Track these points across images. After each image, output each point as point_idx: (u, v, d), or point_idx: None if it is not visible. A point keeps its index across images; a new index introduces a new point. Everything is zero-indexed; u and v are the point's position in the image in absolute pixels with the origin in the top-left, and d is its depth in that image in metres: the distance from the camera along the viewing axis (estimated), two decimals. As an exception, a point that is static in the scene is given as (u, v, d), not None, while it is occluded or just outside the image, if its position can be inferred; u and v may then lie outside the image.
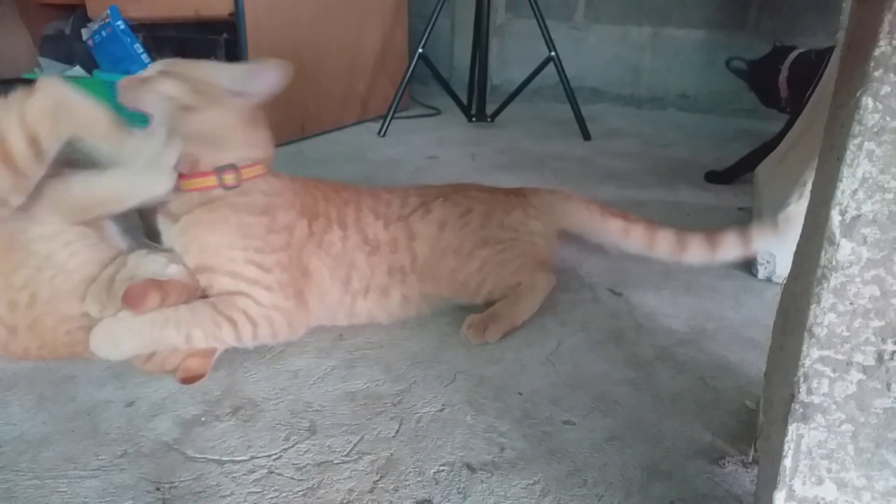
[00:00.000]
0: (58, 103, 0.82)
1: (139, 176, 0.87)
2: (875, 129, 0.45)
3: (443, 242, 1.03)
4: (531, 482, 0.71)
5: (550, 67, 2.34)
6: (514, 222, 1.08)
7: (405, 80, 2.38)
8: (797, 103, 1.64)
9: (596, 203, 1.16)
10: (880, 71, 0.44)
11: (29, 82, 2.48)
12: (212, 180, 0.89)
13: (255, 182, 0.93)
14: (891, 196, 0.46)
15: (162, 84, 0.88)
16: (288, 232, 0.94)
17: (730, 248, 1.08)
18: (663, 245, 1.10)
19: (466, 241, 1.04)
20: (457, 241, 1.04)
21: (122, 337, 0.83)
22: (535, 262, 1.08)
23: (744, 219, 1.53)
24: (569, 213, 1.15)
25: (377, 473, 0.72)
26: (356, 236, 1.00)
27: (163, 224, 0.92)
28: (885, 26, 0.44)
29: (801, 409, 0.51)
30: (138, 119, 0.88)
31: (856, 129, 0.46)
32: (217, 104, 0.89)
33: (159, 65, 0.91)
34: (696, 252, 1.09)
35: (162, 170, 0.86)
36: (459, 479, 0.72)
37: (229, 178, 0.90)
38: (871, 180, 0.46)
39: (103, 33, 2.11)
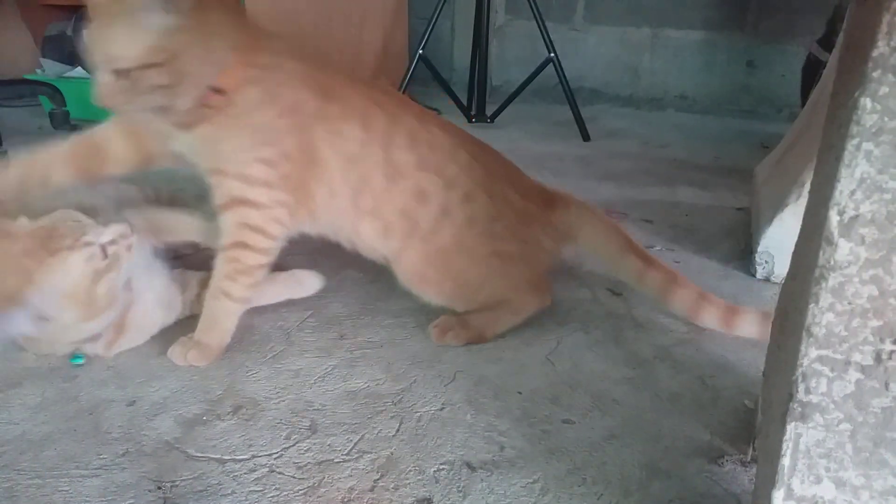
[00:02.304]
0: None
1: None
2: (873, 130, 0.46)
3: (464, 239, 0.98)
4: (531, 481, 0.72)
5: (550, 68, 2.34)
6: (531, 235, 1.03)
7: (405, 81, 2.38)
8: None
9: (621, 235, 1.05)
10: (878, 72, 0.45)
11: (30, 83, 2.47)
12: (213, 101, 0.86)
13: (246, 77, 0.87)
14: (889, 196, 0.46)
15: (143, 80, 0.80)
16: (293, 113, 0.90)
17: (747, 327, 0.97)
18: (678, 303, 1.00)
19: (484, 246, 0.99)
20: (473, 242, 0.99)
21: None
22: (535, 279, 1.04)
23: (742, 219, 1.53)
24: (587, 240, 1.06)
25: (377, 472, 0.73)
26: (379, 151, 0.94)
27: (168, 133, 0.90)
28: (884, 27, 0.44)
29: (800, 409, 0.51)
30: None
31: (854, 129, 0.46)
32: (177, 53, 0.80)
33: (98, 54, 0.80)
34: (709, 321, 1.00)
35: None
36: (459, 478, 0.72)
37: (214, 99, 0.86)
38: (869, 181, 0.46)
39: (104, 34, 2.11)
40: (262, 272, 0.94)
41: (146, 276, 0.94)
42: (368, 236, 0.99)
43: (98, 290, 0.84)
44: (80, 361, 0.91)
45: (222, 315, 0.93)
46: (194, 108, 0.85)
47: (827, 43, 1.88)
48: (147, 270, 0.94)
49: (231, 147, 0.89)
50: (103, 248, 0.84)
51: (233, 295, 0.92)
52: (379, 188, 0.95)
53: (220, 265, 0.92)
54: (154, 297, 0.95)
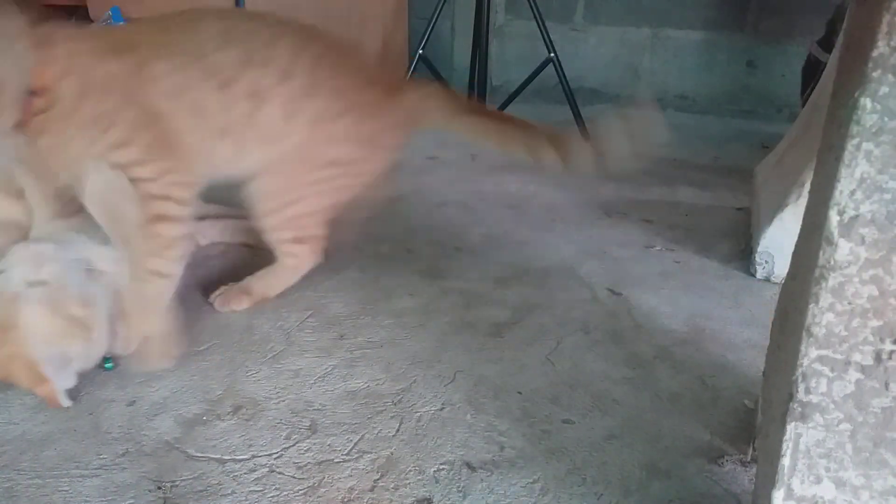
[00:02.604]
0: None
1: None
2: (873, 130, 0.46)
3: (308, 143, 0.97)
4: (531, 481, 0.72)
5: (550, 68, 2.34)
6: (373, 133, 1.01)
7: (405, 81, 2.38)
8: None
9: (464, 102, 1.10)
10: (878, 72, 0.45)
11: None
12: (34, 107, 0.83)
13: (58, 70, 0.84)
14: (889, 196, 0.46)
15: None
16: (113, 86, 0.87)
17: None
18: (510, 149, 1.10)
19: (321, 156, 0.98)
20: (314, 149, 0.97)
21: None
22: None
23: (742, 219, 1.53)
24: (434, 118, 1.07)
25: (377, 472, 0.73)
26: (195, 63, 0.91)
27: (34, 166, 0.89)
28: (884, 27, 0.44)
29: (800, 409, 0.51)
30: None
31: (854, 129, 0.46)
32: None
33: None
34: (544, 158, 1.06)
35: None
36: (459, 478, 0.72)
37: (37, 102, 0.83)
38: (869, 181, 0.46)
39: (104, 33, 2.12)
40: (183, 245, 0.92)
41: (88, 258, 0.89)
42: (227, 159, 0.96)
43: (72, 311, 0.82)
44: (111, 366, 0.90)
45: (156, 296, 0.90)
46: (23, 118, 0.82)
47: (827, 44, 1.88)
48: (81, 251, 0.89)
49: (81, 146, 0.86)
50: (32, 283, 0.81)
51: (164, 271, 0.90)
52: (215, 102, 0.92)
53: (142, 245, 0.89)
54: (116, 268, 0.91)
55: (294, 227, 1.02)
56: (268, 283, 1.07)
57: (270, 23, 0.99)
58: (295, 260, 1.06)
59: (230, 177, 0.99)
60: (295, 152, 0.97)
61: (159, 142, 0.89)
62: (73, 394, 0.85)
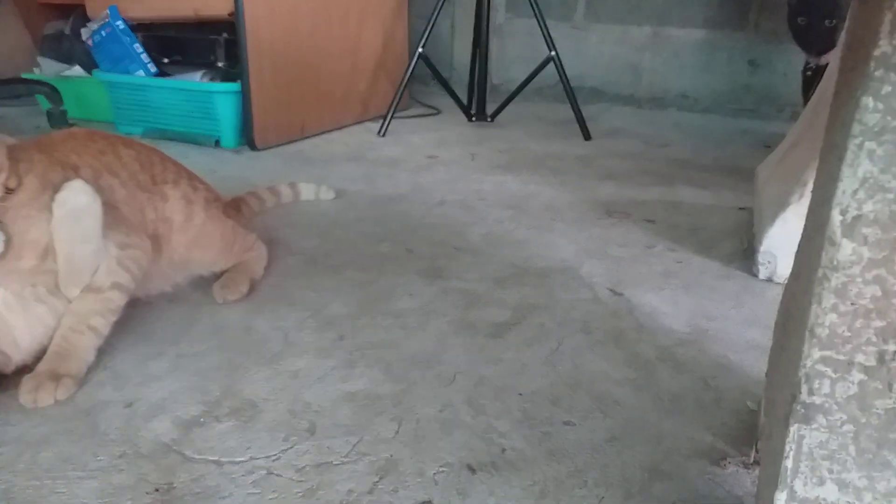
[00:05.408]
0: None
1: None
2: (876, 129, 0.45)
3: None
4: (531, 483, 0.71)
5: (550, 67, 2.34)
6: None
7: (405, 80, 2.38)
8: None
9: None
10: (881, 71, 0.44)
11: (28, 82, 2.46)
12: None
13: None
14: (892, 196, 0.46)
15: None
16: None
17: None
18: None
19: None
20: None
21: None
22: None
23: (744, 219, 1.53)
24: None
25: (377, 474, 0.72)
26: (131, 181, 1.03)
27: None
28: (886, 26, 0.44)
29: (803, 410, 0.51)
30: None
31: (856, 128, 0.46)
32: None
33: None
34: None
35: None
36: (459, 480, 0.71)
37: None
38: (871, 180, 0.46)
39: (103, 33, 2.12)
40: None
41: None
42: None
43: None
44: None
45: (88, 349, 0.89)
46: None
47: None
48: None
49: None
50: None
51: (102, 331, 0.91)
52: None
53: (89, 300, 0.90)
54: None
55: (239, 253, 1.18)
56: (252, 269, 1.17)
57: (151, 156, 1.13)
58: (255, 253, 1.20)
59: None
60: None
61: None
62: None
